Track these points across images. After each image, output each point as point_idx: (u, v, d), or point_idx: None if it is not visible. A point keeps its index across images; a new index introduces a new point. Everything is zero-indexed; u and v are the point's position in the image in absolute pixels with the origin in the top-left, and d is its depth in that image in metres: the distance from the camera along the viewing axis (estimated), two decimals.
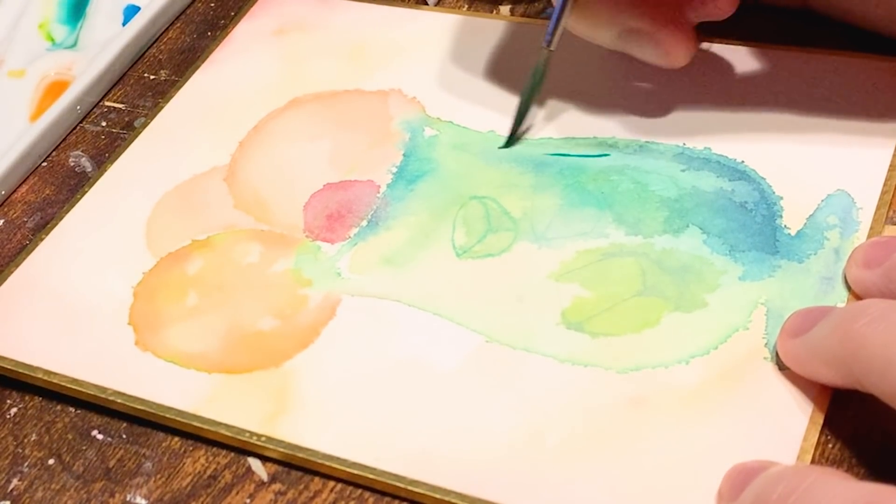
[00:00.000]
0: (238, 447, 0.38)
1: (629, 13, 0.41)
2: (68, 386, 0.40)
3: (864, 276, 0.36)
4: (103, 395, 0.39)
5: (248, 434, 0.37)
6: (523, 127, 0.45)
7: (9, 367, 0.41)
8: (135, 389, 0.39)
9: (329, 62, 0.50)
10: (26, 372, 0.40)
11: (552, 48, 0.43)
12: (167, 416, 0.38)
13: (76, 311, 0.42)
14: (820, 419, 0.35)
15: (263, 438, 0.37)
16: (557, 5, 0.41)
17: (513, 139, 0.44)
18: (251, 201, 0.45)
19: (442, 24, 0.50)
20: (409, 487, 0.35)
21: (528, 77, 0.44)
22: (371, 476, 0.36)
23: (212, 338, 0.40)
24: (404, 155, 0.45)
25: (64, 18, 0.55)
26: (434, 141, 0.45)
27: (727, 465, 0.34)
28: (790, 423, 0.35)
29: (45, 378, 0.40)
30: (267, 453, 0.37)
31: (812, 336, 0.34)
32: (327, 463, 0.36)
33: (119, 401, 0.39)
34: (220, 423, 0.38)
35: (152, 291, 0.42)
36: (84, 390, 0.39)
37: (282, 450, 0.37)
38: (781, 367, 0.36)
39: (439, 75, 0.48)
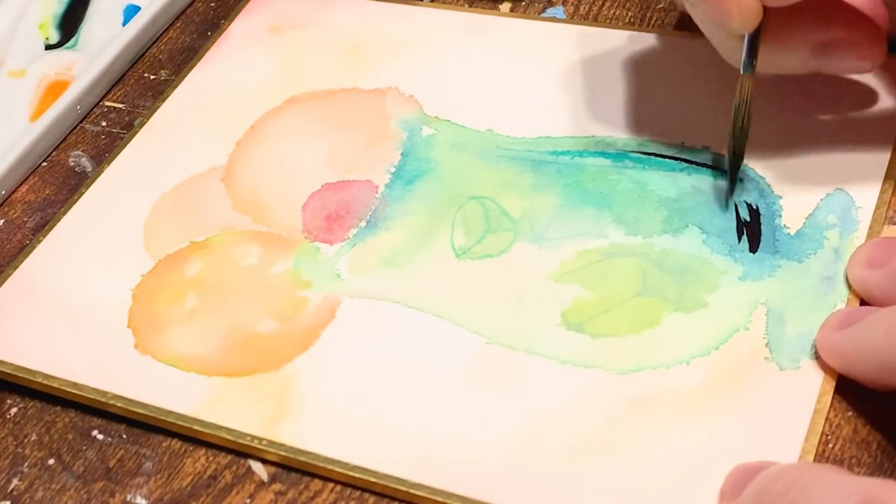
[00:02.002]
0: (239, 451, 0.38)
1: (819, 27, 0.39)
2: (68, 390, 0.39)
3: (867, 276, 0.36)
4: (103, 399, 0.39)
5: (248, 437, 0.37)
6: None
7: (8, 371, 0.40)
8: (135, 393, 0.39)
9: (325, 60, 0.50)
10: (25, 376, 0.40)
11: (754, 71, 0.39)
12: (167, 419, 0.38)
13: (75, 314, 0.42)
14: (821, 419, 0.35)
15: (264, 442, 0.37)
16: (744, 60, 0.39)
17: (732, 190, 0.41)
18: (249, 202, 0.45)
19: (439, 22, 0.50)
20: (411, 491, 0.35)
21: (735, 111, 0.40)
22: (372, 479, 0.36)
23: (211, 340, 0.40)
24: (402, 154, 0.45)
25: (59, 24, 0.54)
26: (432, 140, 0.45)
27: (728, 466, 0.34)
28: (791, 424, 0.35)
29: (45, 382, 0.40)
30: (268, 457, 0.37)
31: (857, 328, 0.34)
32: (328, 466, 0.36)
33: (119, 405, 0.39)
34: (220, 427, 0.38)
35: (151, 294, 0.42)
36: (84, 394, 0.39)
37: (283, 453, 0.37)
38: (783, 366, 0.36)
39: (437, 73, 0.48)
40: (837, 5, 0.39)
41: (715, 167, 0.42)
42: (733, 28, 0.37)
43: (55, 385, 0.40)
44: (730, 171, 0.41)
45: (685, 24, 0.46)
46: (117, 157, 0.47)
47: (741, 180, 0.41)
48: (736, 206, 0.40)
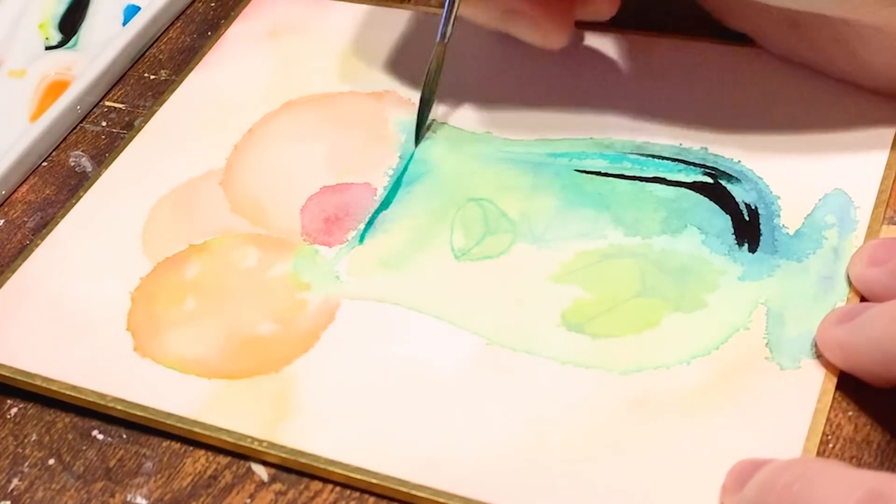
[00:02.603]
0: (240, 453, 0.38)
1: None
2: (67, 393, 0.39)
3: (869, 274, 0.36)
4: (103, 402, 0.39)
5: (249, 440, 0.37)
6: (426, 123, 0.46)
7: (7, 374, 0.40)
8: (134, 396, 0.39)
9: (323, 64, 0.50)
10: (24, 379, 0.40)
11: (447, 41, 0.44)
12: (167, 422, 0.38)
13: (74, 317, 0.42)
14: (822, 419, 0.35)
15: (265, 444, 0.37)
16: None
17: (419, 138, 0.45)
18: (248, 205, 0.45)
19: (437, 25, 0.50)
20: (412, 492, 0.35)
21: (426, 73, 0.45)
22: (374, 481, 0.36)
23: (211, 343, 0.40)
24: (400, 157, 0.45)
25: (59, 24, 0.54)
26: (430, 143, 0.45)
27: (729, 466, 0.34)
28: (792, 423, 0.35)
29: (44, 385, 0.40)
30: (269, 459, 0.37)
31: (857, 322, 0.34)
32: (329, 468, 0.36)
33: (119, 407, 0.39)
34: (221, 429, 0.38)
35: (150, 297, 0.42)
36: (83, 397, 0.39)
37: (284, 455, 0.37)
38: (783, 366, 0.36)
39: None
40: None
41: (714, 168, 0.42)
42: None
43: (54, 388, 0.40)
44: (417, 123, 0.45)
45: (684, 26, 0.46)
46: (115, 161, 0.47)
47: (740, 181, 0.41)
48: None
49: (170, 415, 0.38)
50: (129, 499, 0.37)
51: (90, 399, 0.39)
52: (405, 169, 0.44)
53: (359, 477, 0.36)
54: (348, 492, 0.36)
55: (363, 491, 0.36)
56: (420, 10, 0.51)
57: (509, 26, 0.44)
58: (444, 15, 0.43)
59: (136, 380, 0.39)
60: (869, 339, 0.34)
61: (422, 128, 0.45)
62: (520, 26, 0.43)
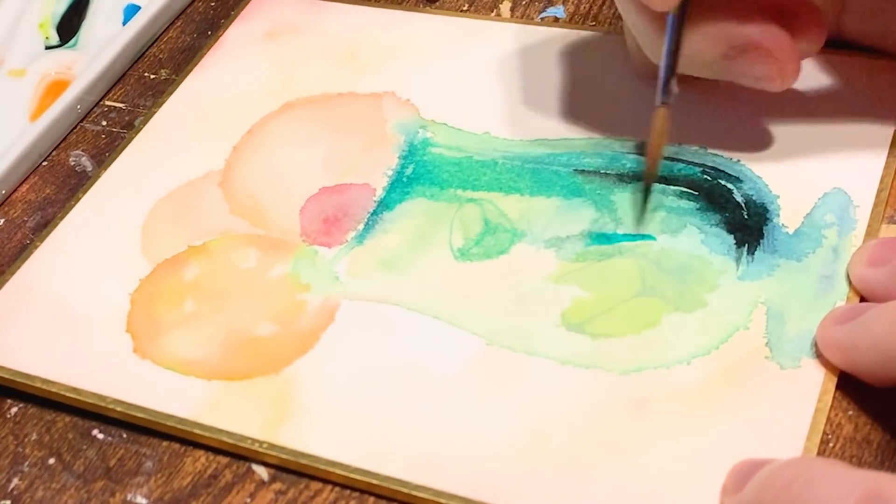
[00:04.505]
0: (240, 454, 0.37)
1: (740, 28, 0.37)
2: (67, 395, 0.39)
3: (869, 274, 0.36)
4: (103, 404, 0.39)
5: (249, 441, 0.37)
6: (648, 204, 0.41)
7: (6, 376, 0.40)
8: (134, 397, 0.39)
9: (322, 65, 0.50)
10: (24, 381, 0.40)
11: (671, 101, 0.38)
12: (167, 423, 0.38)
13: (73, 318, 0.42)
14: (822, 418, 0.35)
15: (265, 445, 0.37)
16: (667, 46, 0.37)
17: (642, 218, 0.40)
18: (247, 206, 0.45)
19: (435, 26, 0.50)
20: (413, 493, 0.35)
21: (649, 145, 0.39)
22: (374, 482, 0.36)
23: (211, 344, 0.40)
24: (399, 158, 0.45)
25: (59, 23, 0.54)
26: (429, 143, 0.45)
27: (729, 465, 0.34)
28: (792, 423, 0.35)
29: (44, 387, 0.40)
30: (269, 460, 0.37)
31: (858, 322, 0.34)
32: (330, 469, 0.36)
33: (119, 409, 0.39)
34: (221, 431, 0.37)
35: (149, 298, 0.42)
36: (83, 399, 0.39)
37: (284, 456, 0.37)
38: (783, 365, 0.36)
39: (433, 77, 0.48)
40: (762, 9, 0.38)
41: (713, 167, 0.42)
42: (656, 4, 0.36)
43: (54, 390, 0.40)
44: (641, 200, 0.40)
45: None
46: (114, 162, 0.47)
47: (739, 180, 0.41)
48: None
49: (170, 416, 0.38)
50: (129, 498, 0.37)
51: (90, 401, 0.39)
52: (404, 169, 0.44)
53: (359, 478, 0.36)
54: (348, 491, 0.36)
55: (363, 491, 0.36)
56: (419, 10, 0.51)
57: (737, 65, 0.38)
58: (663, 68, 0.37)
59: (135, 381, 0.39)
60: (869, 340, 0.34)
61: (646, 208, 0.40)
62: (751, 62, 0.37)
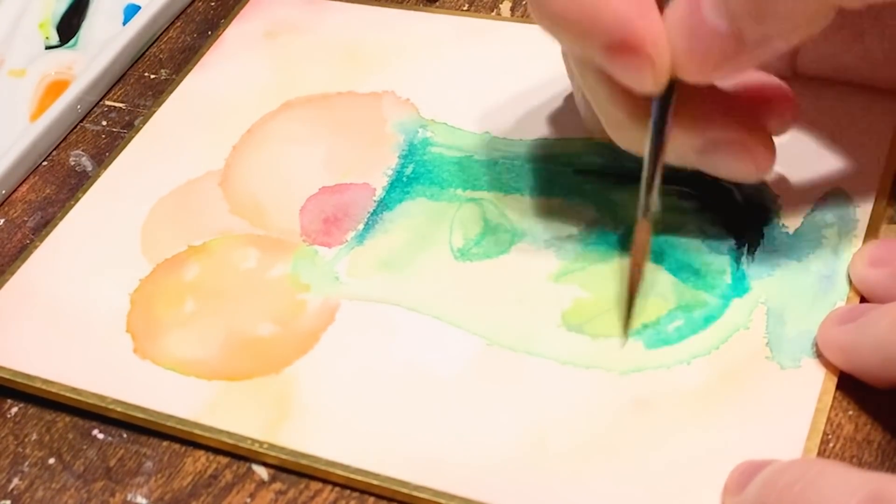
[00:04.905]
0: (240, 454, 0.37)
1: (714, 123, 0.36)
2: (67, 395, 0.39)
3: (870, 274, 0.36)
4: (103, 404, 0.39)
5: (250, 441, 0.37)
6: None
7: (7, 376, 0.40)
8: (134, 398, 0.39)
9: (321, 65, 0.50)
10: (24, 381, 0.40)
11: (651, 213, 0.36)
12: (168, 424, 0.38)
13: (74, 319, 0.42)
14: (822, 418, 0.35)
15: (266, 445, 0.37)
16: (648, 156, 0.35)
17: (627, 327, 0.38)
18: (247, 206, 0.45)
19: (434, 25, 0.50)
20: (413, 493, 0.35)
21: (631, 258, 0.38)
22: (375, 482, 0.36)
23: (211, 344, 0.40)
24: (399, 157, 0.45)
25: (59, 23, 0.54)
26: (429, 143, 0.45)
27: (730, 465, 0.34)
28: (793, 423, 0.35)
29: (44, 387, 0.40)
30: (269, 460, 0.37)
31: (859, 324, 0.34)
32: (330, 469, 0.36)
33: (119, 409, 0.39)
34: (221, 431, 0.37)
35: (150, 298, 0.42)
36: (83, 399, 0.39)
37: (284, 456, 0.37)
38: (784, 365, 0.36)
39: (433, 77, 0.48)
40: (734, 98, 0.37)
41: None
42: (646, 85, 0.34)
43: (54, 390, 0.40)
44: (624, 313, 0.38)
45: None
46: (114, 162, 0.47)
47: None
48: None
49: (170, 417, 0.38)
50: (129, 498, 0.37)
51: (90, 401, 0.39)
52: (404, 169, 0.44)
53: (359, 478, 0.36)
54: (348, 491, 0.36)
55: (363, 491, 0.36)
56: (419, 10, 0.51)
57: (714, 158, 0.37)
58: (643, 182, 0.36)
59: (136, 382, 0.39)
60: (871, 342, 0.34)
61: (630, 319, 0.38)
62: (727, 154, 0.36)
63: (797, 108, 0.38)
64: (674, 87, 0.34)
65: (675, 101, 0.35)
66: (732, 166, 0.37)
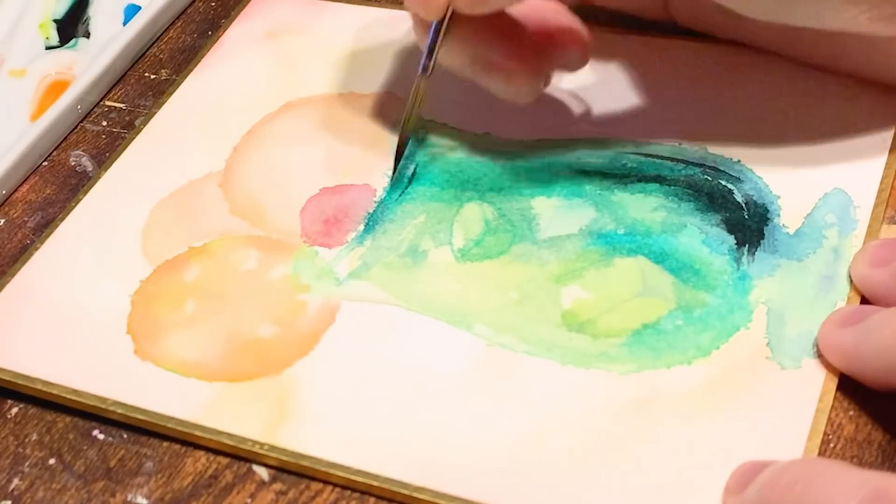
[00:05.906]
0: (241, 455, 0.37)
1: (485, 44, 0.41)
2: (67, 396, 0.39)
3: (871, 274, 0.36)
4: (103, 406, 0.39)
5: (250, 442, 0.37)
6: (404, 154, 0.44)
7: (7, 378, 0.40)
8: (135, 399, 0.39)
9: (321, 65, 0.50)
10: (24, 383, 0.40)
11: (429, 74, 0.42)
12: (168, 425, 0.38)
13: (74, 320, 0.42)
14: (823, 418, 0.35)
15: (266, 447, 0.37)
16: (431, 33, 0.41)
17: (396, 172, 0.44)
18: (247, 207, 0.45)
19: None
20: (413, 494, 0.35)
21: (406, 103, 0.44)
22: (375, 483, 0.36)
23: (211, 346, 0.40)
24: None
25: (59, 23, 0.55)
26: (429, 143, 0.45)
27: (731, 466, 0.34)
28: (793, 423, 0.35)
29: (45, 389, 0.40)
30: (270, 461, 0.37)
31: (862, 327, 0.34)
32: (331, 470, 0.36)
33: (119, 411, 0.39)
34: (221, 433, 0.37)
35: (150, 300, 0.42)
36: (84, 401, 0.39)
37: (285, 458, 0.37)
38: (784, 366, 0.36)
39: (433, 77, 0.47)
40: (519, 32, 0.42)
41: (714, 167, 0.42)
42: (421, 14, 0.41)
43: (55, 392, 0.40)
44: (395, 158, 0.44)
45: (682, 27, 0.46)
46: (115, 162, 0.47)
47: (740, 180, 0.41)
48: None
49: (170, 418, 0.38)
50: (129, 498, 0.37)
51: (91, 403, 0.39)
52: (404, 169, 0.44)
53: (359, 479, 0.36)
54: (349, 492, 0.36)
55: (364, 492, 0.36)
56: None
57: (481, 77, 0.42)
58: (426, 46, 0.42)
59: (136, 383, 0.39)
60: (874, 348, 0.34)
61: (400, 160, 0.44)
62: (492, 78, 0.42)
63: (586, 50, 0.43)
64: (447, 15, 0.40)
65: (447, 23, 0.41)
66: (493, 86, 0.42)
